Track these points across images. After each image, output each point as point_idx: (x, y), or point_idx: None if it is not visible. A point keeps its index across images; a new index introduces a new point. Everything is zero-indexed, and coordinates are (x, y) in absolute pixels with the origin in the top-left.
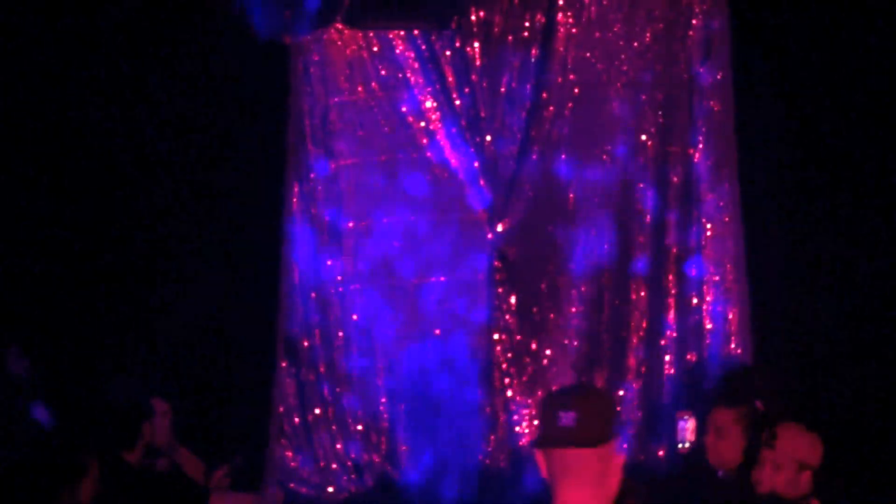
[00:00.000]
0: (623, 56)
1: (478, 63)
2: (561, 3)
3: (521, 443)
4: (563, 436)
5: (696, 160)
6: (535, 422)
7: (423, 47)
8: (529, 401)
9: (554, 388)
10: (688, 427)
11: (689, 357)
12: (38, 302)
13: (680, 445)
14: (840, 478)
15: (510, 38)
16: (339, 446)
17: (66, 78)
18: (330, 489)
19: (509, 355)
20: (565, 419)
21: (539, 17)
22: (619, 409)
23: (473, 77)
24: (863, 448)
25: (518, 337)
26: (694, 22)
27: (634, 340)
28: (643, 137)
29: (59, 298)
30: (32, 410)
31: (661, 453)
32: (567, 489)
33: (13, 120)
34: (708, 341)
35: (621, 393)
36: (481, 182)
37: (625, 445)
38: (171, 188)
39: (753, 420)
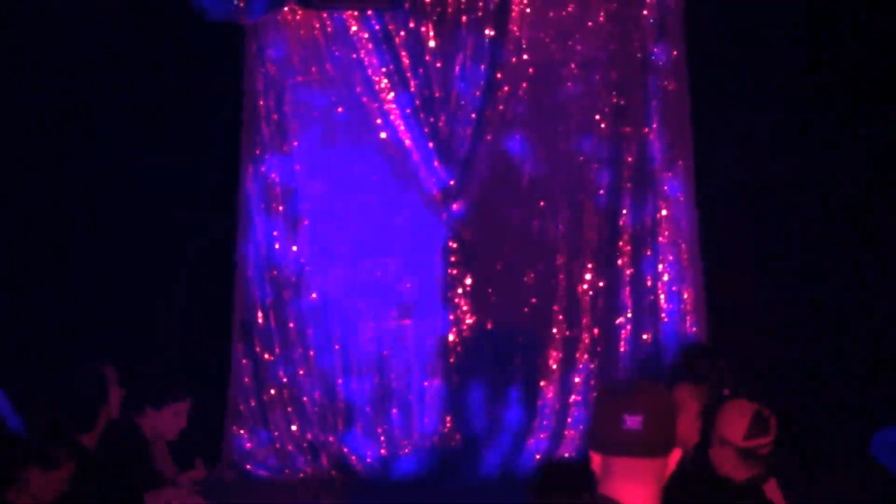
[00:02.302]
0: (577, 35)
1: (432, 43)
2: None
3: (475, 423)
4: (631, 442)
5: (650, 139)
6: (593, 422)
7: (377, 28)
8: (485, 381)
9: (609, 385)
10: None
11: (644, 336)
12: None
13: None
14: (794, 454)
15: (464, 18)
16: (294, 427)
17: (21, 56)
18: (286, 470)
19: (464, 335)
20: (632, 422)
21: None
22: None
23: (427, 57)
24: (816, 423)
25: (473, 317)
26: (648, 1)
27: (589, 320)
28: (597, 117)
29: (12, 282)
30: None
31: None
32: (626, 487)
33: None
34: (663, 321)
35: (577, 379)
36: (436, 162)
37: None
38: (126, 170)
39: (715, 402)
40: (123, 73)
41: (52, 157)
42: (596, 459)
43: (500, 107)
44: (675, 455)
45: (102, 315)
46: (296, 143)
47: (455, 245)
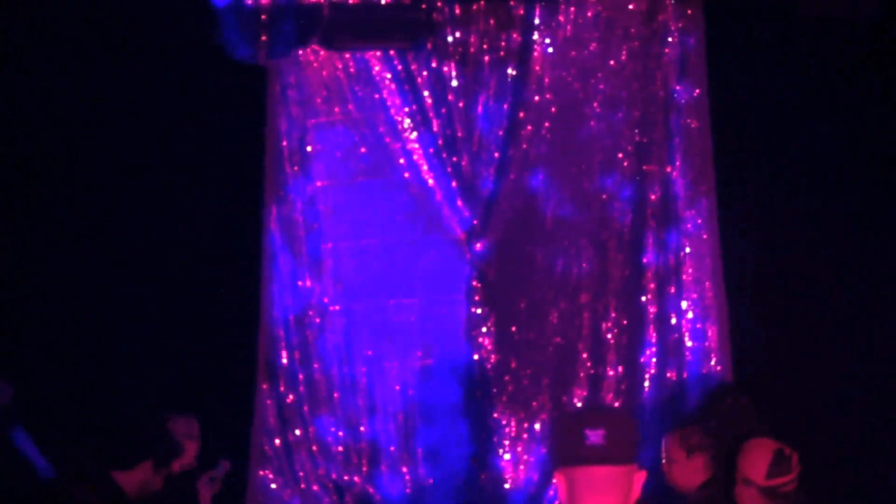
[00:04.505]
0: (599, 75)
1: (454, 83)
2: (537, 22)
3: (501, 462)
4: (594, 454)
5: (673, 177)
6: (554, 442)
7: (400, 68)
8: (510, 420)
9: (569, 409)
10: None
11: (668, 375)
12: (18, 328)
13: (664, 462)
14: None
15: (486, 58)
16: (319, 467)
17: (54, 92)
18: None
19: (489, 375)
20: (594, 437)
21: (515, 36)
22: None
23: (450, 97)
24: (841, 462)
25: (497, 356)
26: (670, 39)
27: (614, 358)
28: (620, 155)
29: (42, 325)
30: (15, 438)
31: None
32: (592, 499)
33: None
34: (687, 359)
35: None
36: (459, 202)
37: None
38: (149, 210)
39: (701, 441)
40: (144, 115)
41: (70, 201)
42: (561, 481)
43: (524, 146)
44: (640, 477)
45: (128, 355)
46: (319, 184)
47: (479, 284)
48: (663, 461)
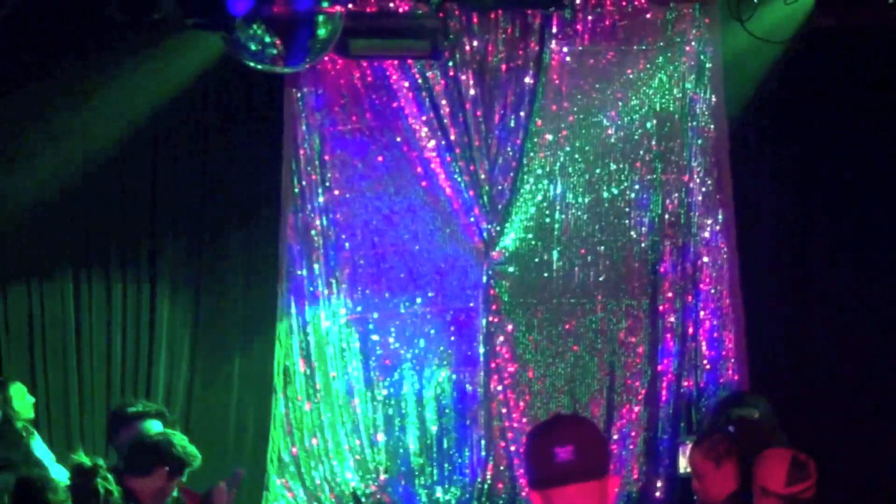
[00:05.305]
0: (617, 83)
1: (471, 92)
2: (554, 31)
3: (518, 471)
4: (566, 472)
5: (690, 186)
6: (525, 463)
7: (417, 77)
8: (526, 429)
9: (535, 425)
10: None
11: (686, 383)
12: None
13: (682, 470)
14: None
15: (504, 67)
16: (336, 476)
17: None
18: None
19: (506, 383)
20: (563, 454)
21: (532, 45)
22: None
23: (467, 106)
24: (857, 468)
25: (514, 365)
26: (686, 48)
27: (631, 367)
28: (637, 164)
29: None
30: (33, 447)
31: (659, 483)
32: None
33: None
34: (705, 367)
35: (619, 426)
36: (476, 210)
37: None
38: (166, 218)
39: (728, 449)
40: (163, 123)
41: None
42: (536, 499)
43: (540, 154)
44: (614, 484)
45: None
46: (336, 192)
47: (496, 292)
48: (691, 476)
